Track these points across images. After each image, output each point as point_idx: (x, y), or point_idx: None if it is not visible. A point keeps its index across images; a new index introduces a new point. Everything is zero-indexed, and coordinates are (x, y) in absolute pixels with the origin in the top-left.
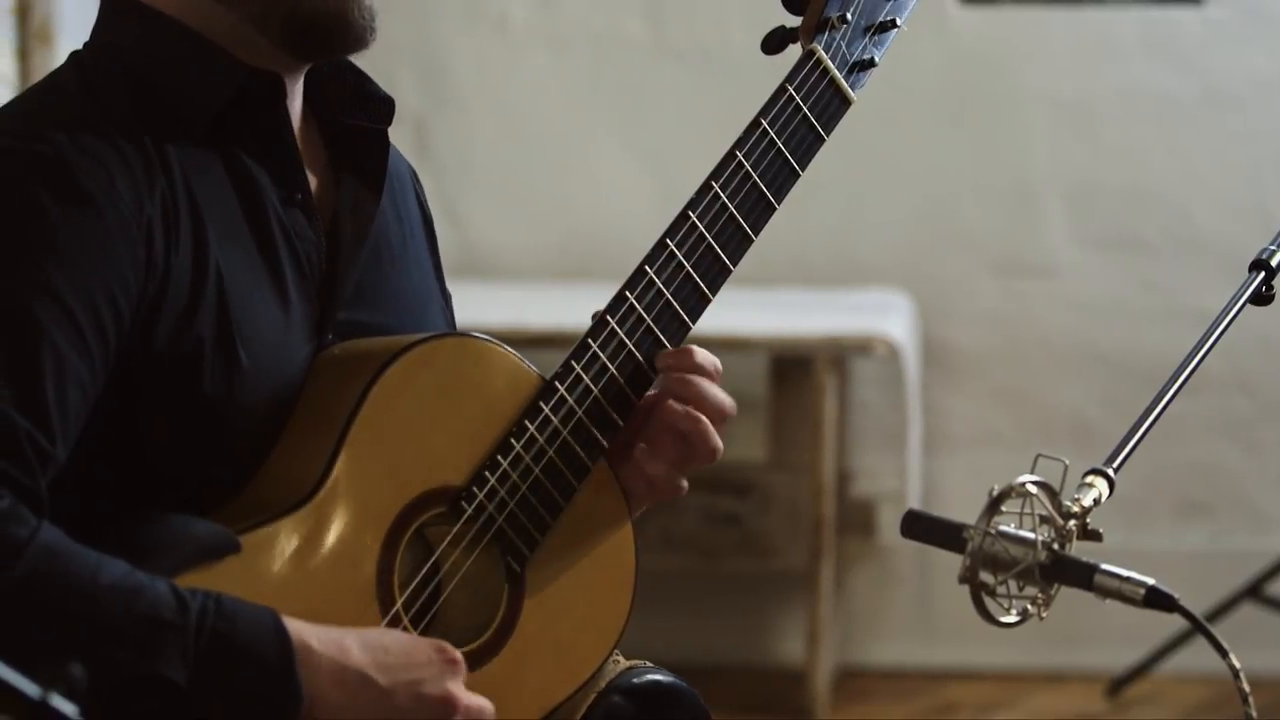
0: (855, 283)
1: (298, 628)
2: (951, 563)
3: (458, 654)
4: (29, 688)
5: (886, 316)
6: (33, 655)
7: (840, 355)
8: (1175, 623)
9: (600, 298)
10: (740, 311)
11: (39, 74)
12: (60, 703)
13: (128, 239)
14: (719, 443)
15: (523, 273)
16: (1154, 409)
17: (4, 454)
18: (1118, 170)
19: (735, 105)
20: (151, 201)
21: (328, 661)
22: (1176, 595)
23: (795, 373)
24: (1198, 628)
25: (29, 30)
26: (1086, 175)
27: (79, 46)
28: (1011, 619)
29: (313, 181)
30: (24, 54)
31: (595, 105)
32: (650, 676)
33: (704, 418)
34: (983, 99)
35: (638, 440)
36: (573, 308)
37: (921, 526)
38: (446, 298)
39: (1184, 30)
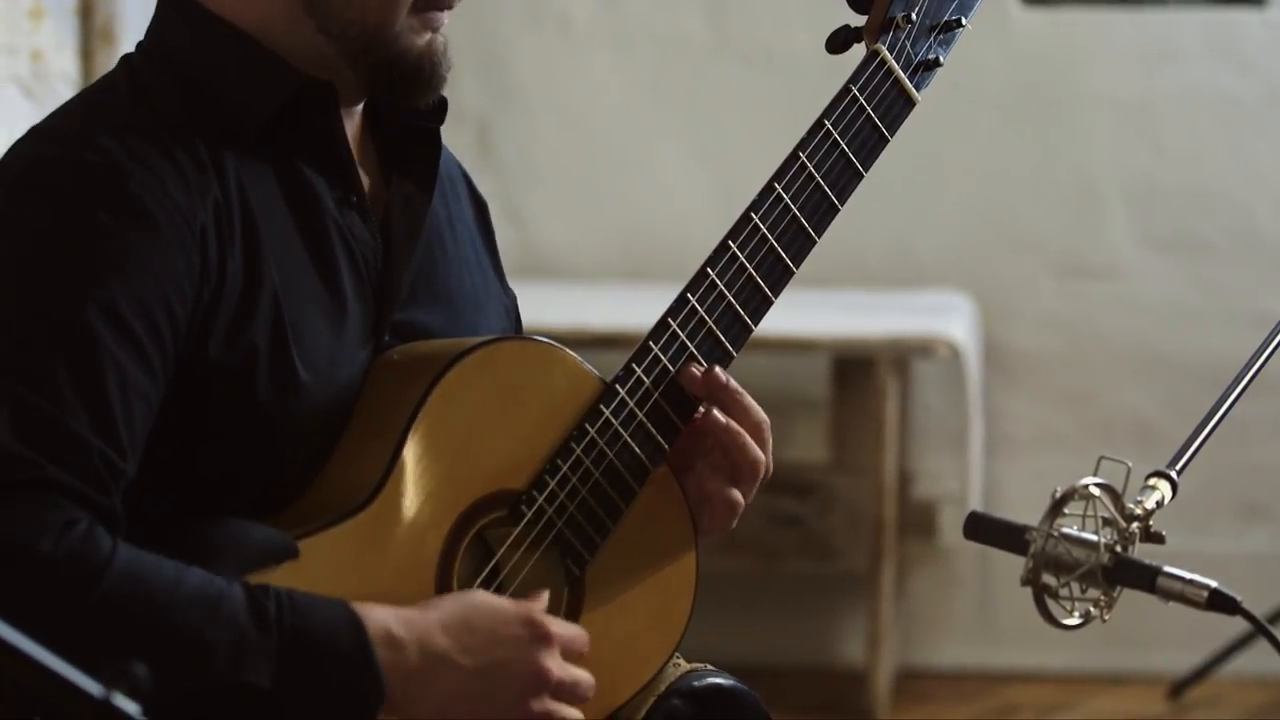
0: (916, 284)
1: (378, 615)
2: (1012, 565)
3: (548, 625)
4: (92, 687)
5: (948, 318)
6: None
7: (902, 357)
8: (1237, 625)
9: (661, 298)
10: (801, 313)
11: (101, 73)
12: (123, 702)
13: (183, 247)
14: (759, 454)
15: (584, 273)
16: (1217, 411)
17: (79, 475)
18: (1179, 171)
19: (797, 105)
20: (204, 208)
21: (411, 647)
22: (1239, 598)
23: (857, 374)
24: (1260, 630)
25: (92, 30)
26: (1148, 177)
27: None
28: (1074, 621)
29: (366, 182)
30: (87, 54)
31: (657, 105)
32: (711, 680)
33: (740, 429)
34: (1044, 100)
35: (698, 456)
36: (634, 308)
37: (984, 528)
38: (510, 297)
39: (1246, 32)
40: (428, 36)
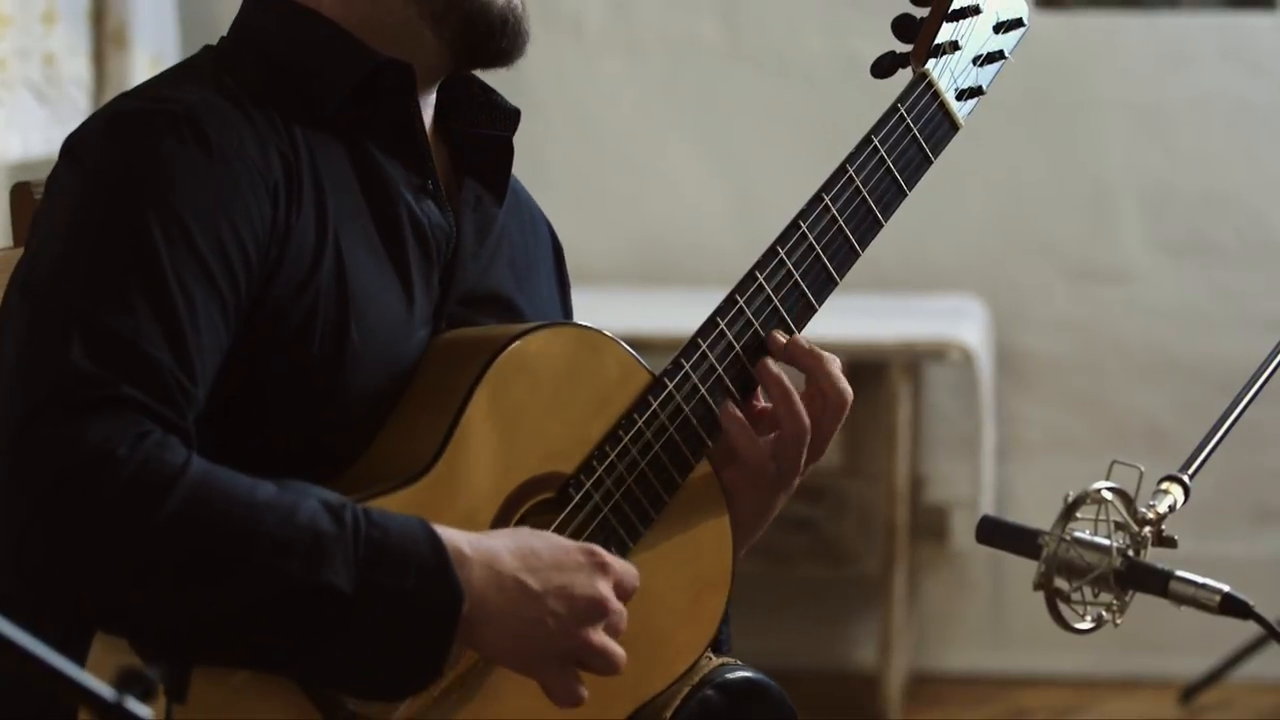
0: (929, 288)
1: (449, 533)
2: (1025, 569)
3: (609, 557)
4: (104, 691)
5: (961, 322)
6: (201, 577)
7: (915, 361)
8: (1249, 629)
9: (675, 303)
10: (814, 317)
11: (114, 78)
12: (136, 706)
13: (255, 194)
14: (805, 420)
15: (598, 278)
16: (1229, 415)
17: (153, 394)
18: (1193, 176)
19: (809, 110)
20: (276, 167)
21: (480, 565)
22: (1251, 602)
23: (869, 378)
24: (1273, 635)
25: (104, 34)
26: (1162, 181)
27: (154, 50)
28: (1086, 625)
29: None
30: (99, 58)
31: (670, 110)
32: (742, 673)
33: (792, 390)
34: (1058, 105)
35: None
36: (648, 313)
37: (997, 533)
38: None
39: (1260, 36)
40: None
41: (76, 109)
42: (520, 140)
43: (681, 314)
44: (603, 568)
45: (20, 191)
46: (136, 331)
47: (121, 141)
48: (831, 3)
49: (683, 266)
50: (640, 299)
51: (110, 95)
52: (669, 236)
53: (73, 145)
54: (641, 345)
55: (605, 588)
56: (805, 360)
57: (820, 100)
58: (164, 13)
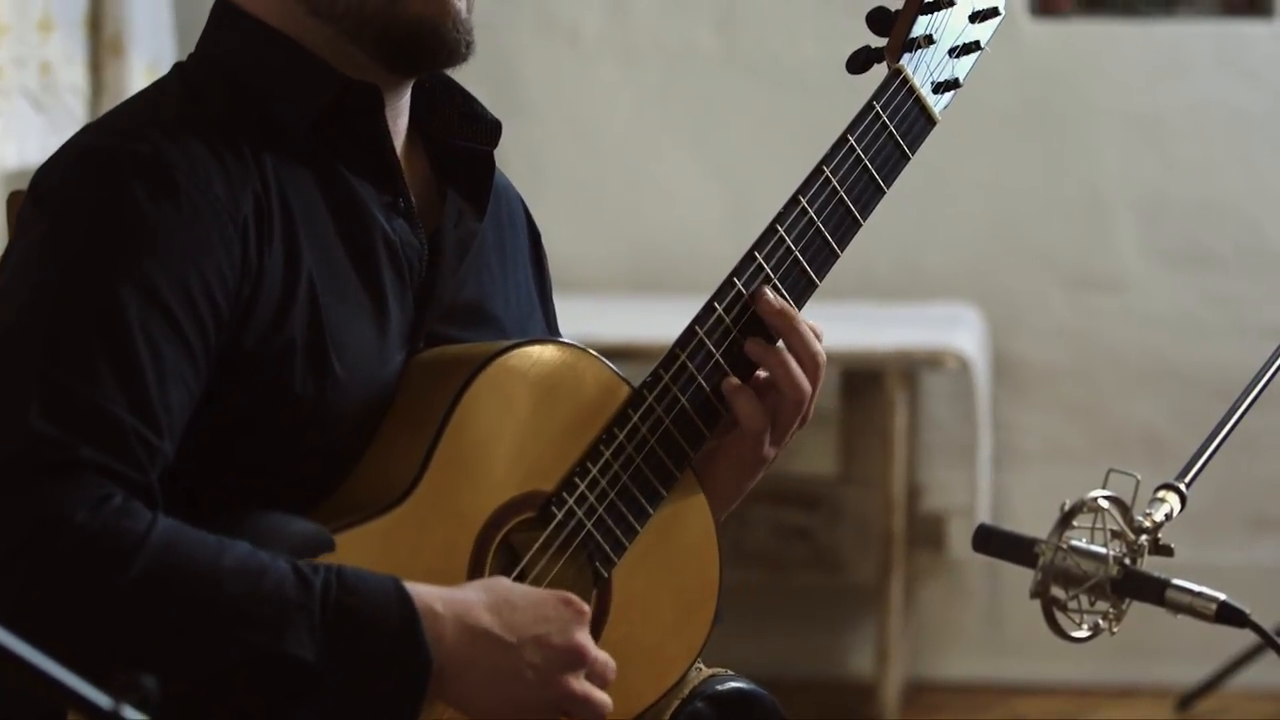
0: (925, 296)
1: (422, 592)
2: (1021, 577)
3: (584, 605)
4: (100, 699)
5: (956, 330)
6: (162, 646)
7: (910, 369)
8: (1246, 637)
9: (671, 311)
10: None
11: (111, 86)
12: (132, 714)
13: (224, 237)
14: (805, 384)
15: (593, 285)
16: (1226, 423)
17: (112, 452)
18: (1188, 184)
19: (807, 118)
20: (246, 201)
21: (453, 621)
22: (1248, 610)
23: (865, 386)
24: (1269, 643)
25: (101, 42)
26: (1157, 189)
27: (150, 58)
28: (1083, 634)
29: (414, 191)
30: (96, 66)
31: (666, 117)
32: (733, 684)
33: (789, 357)
34: (1053, 113)
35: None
36: (643, 320)
37: (993, 541)
38: (553, 330)
39: (1256, 44)
40: None
41: (73, 117)
42: (516, 147)
43: (677, 322)
44: (579, 615)
45: (17, 200)
46: (99, 390)
47: (88, 184)
48: (827, 10)
49: (679, 274)
50: (636, 306)
51: (107, 103)
52: (665, 244)
53: (39, 185)
54: (637, 353)
55: (582, 635)
56: (776, 321)
57: (816, 108)
58: (160, 20)
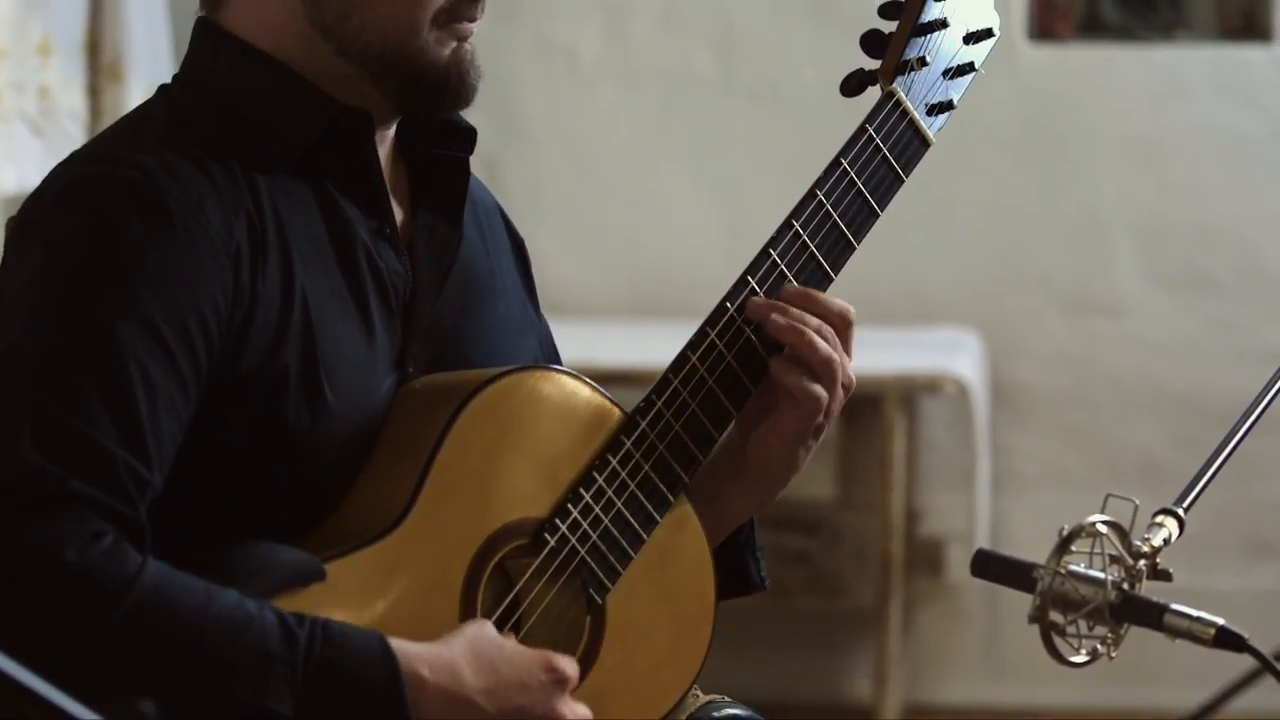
0: (924, 321)
1: (408, 652)
2: (1020, 602)
3: (568, 670)
4: None
5: (955, 355)
6: (142, 691)
7: (909, 394)
8: (1244, 662)
9: (669, 335)
10: None
11: (109, 110)
12: None
13: (217, 263)
14: (829, 351)
15: (592, 310)
16: (1224, 448)
17: (104, 487)
18: (1187, 209)
19: (805, 142)
20: (240, 226)
21: (437, 689)
22: (1246, 635)
23: (864, 411)
24: (1267, 668)
25: (99, 67)
26: (1156, 214)
27: (149, 82)
28: (1081, 659)
29: (398, 214)
30: (94, 90)
31: (665, 142)
32: (729, 711)
33: (802, 326)
34: (1052, 137)
35: (759, 421)
36: (642, 345)
37: (992, 566)
38: (544, 328)
39: (1254, 69)
40: (453, 46)
41: (72, 141)
42: (515, 171)
43: (675, 346)
44: (561, 683)
45: None
46: (89, 422)
47: (80, 214)
48: (826, 35)
49: (677, 298)
50: (634, 331)
51: (105, 127)
52: (664, 268)
53: (28, 215)
54: (635, 378)
55: (560, 704)
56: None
57: (814, 131)
58: (159, 45)
